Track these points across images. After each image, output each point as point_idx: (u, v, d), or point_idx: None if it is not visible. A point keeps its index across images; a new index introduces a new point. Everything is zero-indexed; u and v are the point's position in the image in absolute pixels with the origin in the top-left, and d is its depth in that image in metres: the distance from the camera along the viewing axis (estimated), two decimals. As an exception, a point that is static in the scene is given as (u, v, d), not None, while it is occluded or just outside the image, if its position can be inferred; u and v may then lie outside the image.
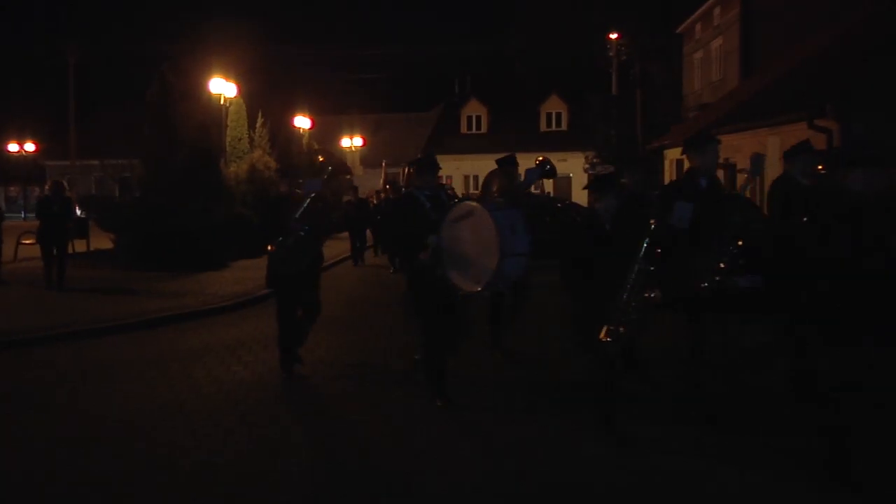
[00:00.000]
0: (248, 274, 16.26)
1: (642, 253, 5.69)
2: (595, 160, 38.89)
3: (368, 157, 47.38)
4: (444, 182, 32.49)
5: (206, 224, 17.56)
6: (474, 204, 6.89)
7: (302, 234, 7.85)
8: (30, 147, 51.45)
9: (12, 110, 50.50)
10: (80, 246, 18.22)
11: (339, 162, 8.21)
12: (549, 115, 47.25)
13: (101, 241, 18.79)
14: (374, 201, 21.33)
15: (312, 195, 7.96)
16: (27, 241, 17.40)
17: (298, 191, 8.24)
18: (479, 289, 6.67)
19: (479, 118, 48.49)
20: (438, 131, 48.56)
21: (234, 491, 5.18)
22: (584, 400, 6.38)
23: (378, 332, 10.62)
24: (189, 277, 15.56)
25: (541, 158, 8.75)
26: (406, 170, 24.98)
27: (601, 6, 39.76)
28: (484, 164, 46.72)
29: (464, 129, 48.25)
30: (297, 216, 7.80)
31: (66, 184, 14.57)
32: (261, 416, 6.75)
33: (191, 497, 5.11)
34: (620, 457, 5.62)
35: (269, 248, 8.02)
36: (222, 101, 22.13)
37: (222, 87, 21.65)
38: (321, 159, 7.68)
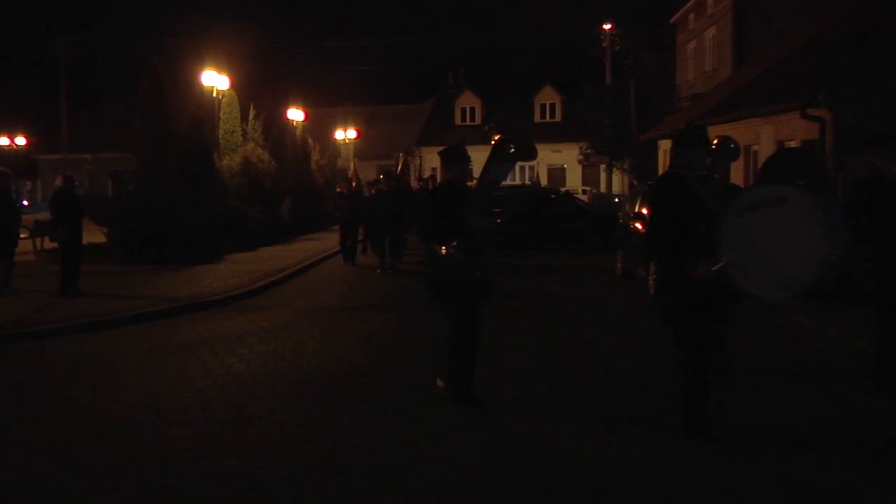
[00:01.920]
0: (242, 267, 16.25)
1: None
2: (588, 151, 38.92)
3: (362, 149, 47.28)
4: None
5: (199, 217, 17.52)
6: (787, 188, 5.45)
7: (481, 232, 6.42)
8: (21, 141, 51.27)
9: (3, 103, 50.31)
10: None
11: (525, 140, 6.83)
12: (543, 106, 47.25)
13: (94, 235, 18.74)
14: (368, 193, 20.33)
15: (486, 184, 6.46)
16: (22, 236, 17.30)
17: (473, 180, 6.82)
18: (791, 296, 5.43)
19: (472, 110, 48.47)
20: (432, 123, 48.54)
21: (228, 483, 5.18)
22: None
23: (373, 329, 10.63)
24: (183, 271, 15.52)
25: (717, 141, 7.36)
26: (401, 159, 24.56)
27: (594, -3, 39.81)
28: (478, 156, 47.04)
29: (458, 121, 48.21)
30: (477, 209, 6.36)
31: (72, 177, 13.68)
32: (256, 410, 6.74)
33: (186, 490, 5.10)
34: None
35: (442, 250, 6.35)
36: (214, 94, 22.04)
37: (214, 80, 21.55)
38: (497, 137, 6.41)
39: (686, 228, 5.47)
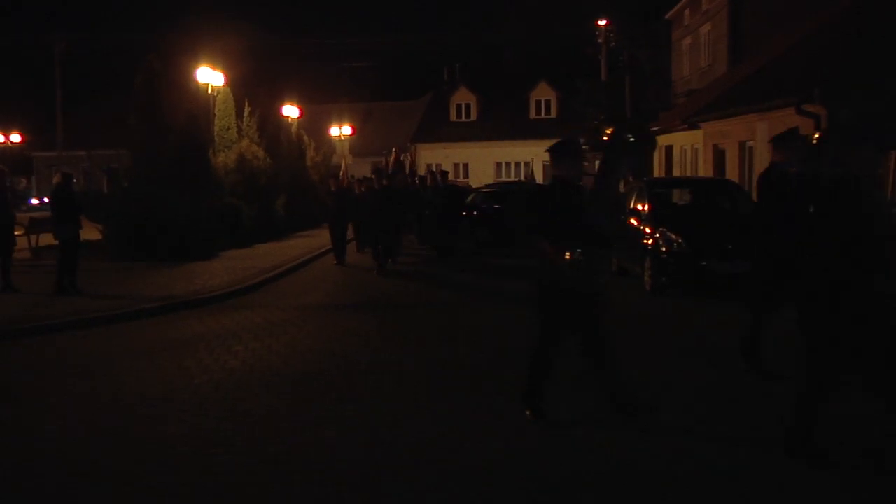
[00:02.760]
0: (237, 264, 16.24)
1: None
2: (584, 147, 38.92)
3: (357, 145, 47.27)
4: (434, 169, 31.85)
5: (195, 214, 17.50)
6: None
7: (606, 235, 5.82)
8: (15, 138, 51.10)
9: (-3, 101, 50.14)
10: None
11: (640, 126, 6.00)
12: (538, 103, 47.19)
13: (89, 232, 18.70)
14: (358, 190, 19.13)
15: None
16: (16, 233, 17.26)
17: (587, 176, 6.18)
18: None
19: (468, 106, 48.39)
20: (428, 119, 48.47)
21: (225, 479, 5.18)
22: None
23: (368, 328, 10.64)
24: (178, 268, 15.51)
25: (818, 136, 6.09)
26: (395, 155, 24.45)
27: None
28: (473, 152, 46.67)
29: (453, 117, 48.13)
30: (604, 209, 5.77)
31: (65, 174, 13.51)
32: (251, 406, 6.74)
33: (183, 486, 5.11)
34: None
35: (566, 255, 5.68)
36: (210, 91, 21.99)
37: (209, 76, 21.50)
38: (610, 130, 5.64)
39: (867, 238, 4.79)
